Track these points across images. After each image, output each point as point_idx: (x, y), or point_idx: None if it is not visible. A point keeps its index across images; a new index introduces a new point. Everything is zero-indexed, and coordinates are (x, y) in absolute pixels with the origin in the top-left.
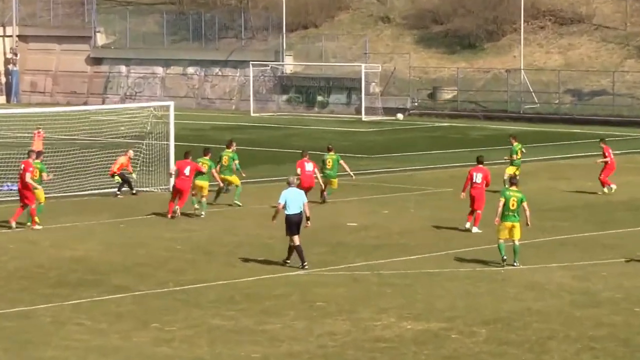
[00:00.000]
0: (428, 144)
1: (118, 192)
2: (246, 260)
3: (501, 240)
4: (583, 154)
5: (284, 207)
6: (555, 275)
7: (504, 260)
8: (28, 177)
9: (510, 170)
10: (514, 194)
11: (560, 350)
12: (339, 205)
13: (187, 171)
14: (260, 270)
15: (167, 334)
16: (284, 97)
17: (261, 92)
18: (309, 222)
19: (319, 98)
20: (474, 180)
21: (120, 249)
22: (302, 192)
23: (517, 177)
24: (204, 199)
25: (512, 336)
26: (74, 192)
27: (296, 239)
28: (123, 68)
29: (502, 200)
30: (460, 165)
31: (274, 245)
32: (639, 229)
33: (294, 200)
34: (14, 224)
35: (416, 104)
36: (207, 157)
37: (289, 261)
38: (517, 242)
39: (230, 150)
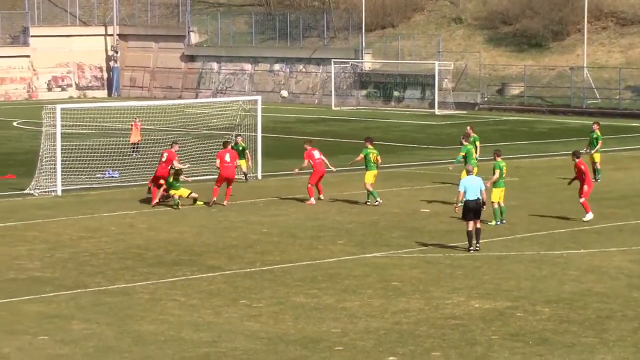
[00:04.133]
0: (497, 137)
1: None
2: (328, 243)
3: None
4: None
5: (464, 194)
6: (614, 259)
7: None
8: (176, 165)
9: (597, 158)
10: (504, 164)
11: (619, 328)
12: (413, 193)
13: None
14: (341, 253)
15: (254, 310)
16: (363, 92)
17: (342, 88)
18: (484, 206)
19: (395, 93)
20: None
21: (212, 231)
22: (480, 179)
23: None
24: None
25: (573, 315)
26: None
27: (471, 225)
28: (214, 65)
29: (498, 171)
30: (526, 156)
31: (354, 230)
32: None
33: (472, 187)
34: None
35: (486, 99)
36: (372, 147)
37: (472, 248)
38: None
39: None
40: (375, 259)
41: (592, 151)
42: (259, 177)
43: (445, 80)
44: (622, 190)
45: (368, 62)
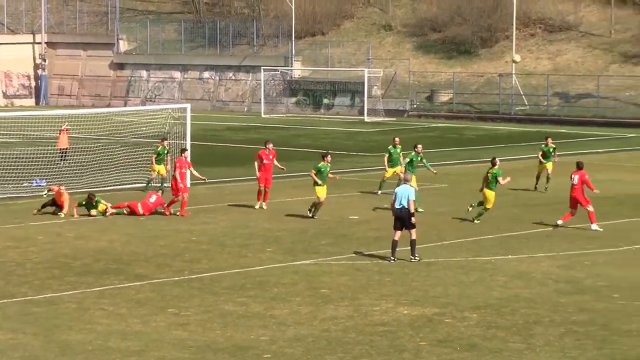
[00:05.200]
0: (426, 143)
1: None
2: (257, 251)
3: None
4: (570, 153)
5: (394, 201)
6: (541, 265)
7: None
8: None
9: (550, 167)
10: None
11: (546, 334)
12: (342, 200)
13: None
14: (270, 260)
15: (183, 319)
16: (293, 99)
17: (271, 95)
18: (413, 217)
19: (325, 100)
20: (572, 183)
21: (141, 240)
22: (411, 189)
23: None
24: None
25: (501, 321)
26: (98, 187)
27: (397, 234)
28: (144, 73)
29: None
30: (455, 162)
31: (283, 238)
32: (620, 222)
33: (399, 195)
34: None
35: (415, 105)
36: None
37: (392, 258)
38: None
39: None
40: (304, 267)
41: (549, 161)
42: (188, 185)
43: (375, 87)
44: (550, 196)
45: (298, 70)
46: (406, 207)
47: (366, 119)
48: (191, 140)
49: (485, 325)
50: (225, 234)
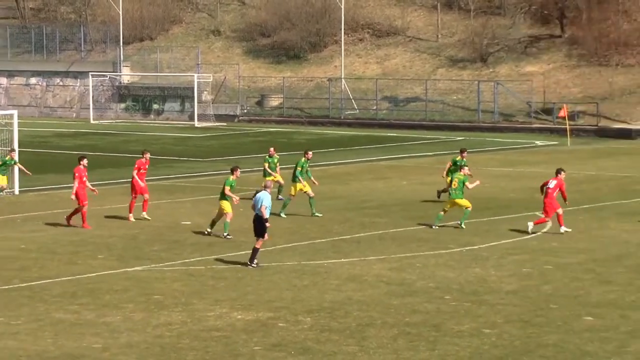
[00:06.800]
0: (256, 148)
1: None
2: (88, 258)
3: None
4: (399, 156)
5: (253, 207)
6: (373, 267)
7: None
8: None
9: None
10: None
11: (379, 336)
12: (174, 206)
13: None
14: (101, 267)
15: (12, 328)
16: (122, 105)
17: (100, 101)
18: (267, 223)
19: (155, 106)
20: (547, 187)
21: None
22: (267, 195)
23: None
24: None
25: (335, 324)
26: None
27: (258, 242)
28: None
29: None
30: (285, 167)
31: (114, 244)
32: (449, 224)
33: (256, 202)
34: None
35: (245, 110)
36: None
37: (255, 262)
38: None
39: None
40: (136, 273)
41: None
42: (16, 192)
43: (205, 92)
44: (381, 199)
45: (126, 75)
46: (260, 214)
47: (196, 124)
48: (19, 147)
49: (319, 328)
50: (55, 241)
